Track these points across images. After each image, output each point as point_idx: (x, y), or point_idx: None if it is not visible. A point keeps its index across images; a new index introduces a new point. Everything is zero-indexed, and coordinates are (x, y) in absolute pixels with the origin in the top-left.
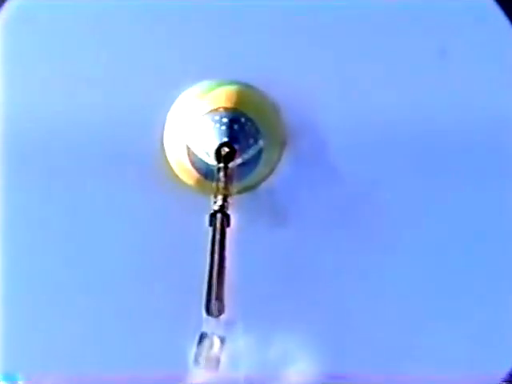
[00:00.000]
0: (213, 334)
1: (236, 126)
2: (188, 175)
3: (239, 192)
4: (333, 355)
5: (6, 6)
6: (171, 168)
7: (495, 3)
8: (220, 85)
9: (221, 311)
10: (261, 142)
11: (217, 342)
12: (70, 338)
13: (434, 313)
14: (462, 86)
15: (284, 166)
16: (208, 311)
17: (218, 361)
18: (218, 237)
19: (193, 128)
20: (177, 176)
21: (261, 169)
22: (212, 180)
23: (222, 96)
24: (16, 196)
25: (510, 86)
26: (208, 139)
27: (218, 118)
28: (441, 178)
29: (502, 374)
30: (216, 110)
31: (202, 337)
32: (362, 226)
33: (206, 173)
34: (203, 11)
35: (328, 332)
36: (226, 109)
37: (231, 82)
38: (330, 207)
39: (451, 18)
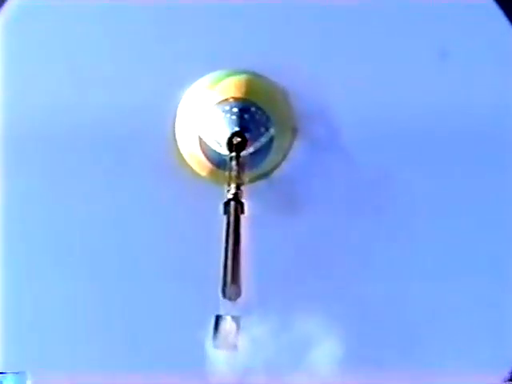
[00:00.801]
0: (228, 315)
1: (246, 116)
2: (201, 166)
3: (252, 180)
4: (352, 339)
5: (6, 6)
6: (184, 159)
7: (495, 3)
8: (229, 75)
9: (237, 295)
10: (272, 130)
11: (233, 323)
12: (80, 335)
13: (439, 307)
14: (463, 82)
15: (296, 153)
16: (224, 295)
17: (235, 342)
18: (232, 223)
19: (204, 119)
20: (190, 167)
21: (273, 156)
22: (225, 169)
23: (232, 86)
24: (27, 188)
25: (510, 85)
26: (219, 129)
27: (228, 108)
28: (450, 165)
29: (503, 373)
30: (226, 100)
31: (218, 319)
32: (375, 211)
33: (218, 163)
34: (211, 2)
35: (345, 315)
36: (235, 99)
37: (240, 72)
38: (341, 192)
39: (451, 17)
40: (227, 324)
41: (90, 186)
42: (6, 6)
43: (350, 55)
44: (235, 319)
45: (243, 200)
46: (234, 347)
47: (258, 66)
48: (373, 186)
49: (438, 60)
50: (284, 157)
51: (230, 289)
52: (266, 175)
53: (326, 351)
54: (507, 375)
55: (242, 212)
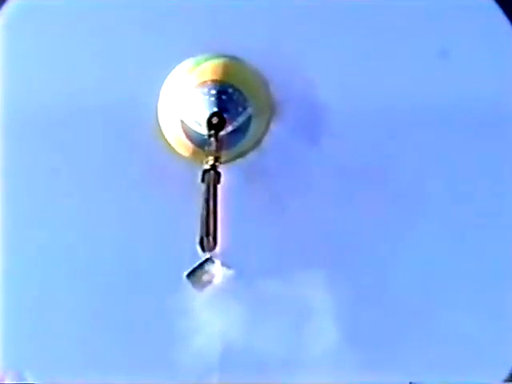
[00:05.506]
0: (213, 260)
1: (224, 97)
2: (184, 147)
3: (232, 159)
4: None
5: (6, 6)
6: (168, 141)
7: (495, 3)
8: (207, 59)
9: (213, 246)
10: (249, 110)
11: (215, 267)
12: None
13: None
14: (462, 82)
15: (275, 133)
16: (201, 247)
17: (209, 283)
18: (210, 189)
19: (185, 102)
20: (173, 148)
21: (252, 136)
22: (205, 149)
23: (210, 69)
24: (19, 173)
25: (509, 85)
26: (199, 111)
27: (206, 90)
28: (444, 156)
29: (503, 373)
30: (205, 82)
31: (207, 260)
32: (357, 194)
33: (199, 143)
34: None
35: (333, 300)
36: (214, 81)
37: (217, 56)
38: (318, 168)
39: (451, 17)
40: (210, 266)
41: (71, 169)
42: (6, 6)
43: (347, 51)
44: (218, 264)
45: (220, 171)
46: (206, 287)
47: (238, 50)
48: (354, 170)
49: (438, 59)
50: (263, 136)
51: (206, 240)
52: (245, 153)
53: (312, 327)
54: (507, 375)
55: (219, 182)
